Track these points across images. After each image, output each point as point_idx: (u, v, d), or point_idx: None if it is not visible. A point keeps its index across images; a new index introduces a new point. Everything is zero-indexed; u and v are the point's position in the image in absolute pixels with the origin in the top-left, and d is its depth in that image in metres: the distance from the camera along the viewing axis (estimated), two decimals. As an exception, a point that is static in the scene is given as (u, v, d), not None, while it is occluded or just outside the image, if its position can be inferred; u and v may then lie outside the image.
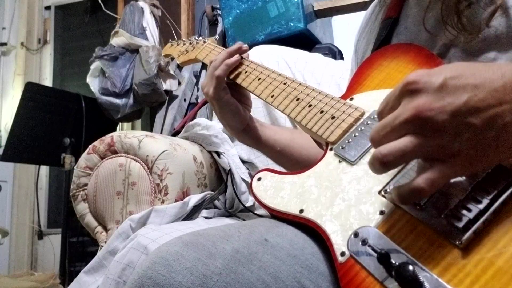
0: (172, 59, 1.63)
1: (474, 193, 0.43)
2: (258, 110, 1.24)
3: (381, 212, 0.49)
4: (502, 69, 0.40)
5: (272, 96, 0.73)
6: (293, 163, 0.86)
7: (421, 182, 0.40)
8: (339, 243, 0.49)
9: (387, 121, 0.42)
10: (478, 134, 0.39)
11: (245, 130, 0.84)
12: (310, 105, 0.67)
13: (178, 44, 1.05)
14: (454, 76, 0.40)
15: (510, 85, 0.39)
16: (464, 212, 0.43)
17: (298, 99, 0.69)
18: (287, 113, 0.70)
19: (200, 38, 1.00)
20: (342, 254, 0.48)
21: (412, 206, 0.46)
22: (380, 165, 0.41)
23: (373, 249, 0.46)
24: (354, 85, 0.68)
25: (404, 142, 0.40)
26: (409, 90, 0.41)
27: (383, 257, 0.44)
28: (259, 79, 0.78)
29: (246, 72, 0.80)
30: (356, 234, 0.48)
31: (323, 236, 0.52)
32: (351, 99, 0.65)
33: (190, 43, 1.00)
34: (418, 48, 0.63)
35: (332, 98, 0.66)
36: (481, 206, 0.42)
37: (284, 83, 0.74)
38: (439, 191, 0.45)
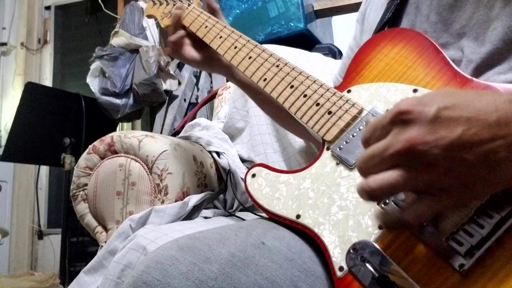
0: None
1: (477, 217, 0.42)
2: (260, 118, 1.22)
3: (381, 226, 0.48)
4: (496, 100, 0.39)
5: (264, 80, 0.70)
6: (282, 118, 0.91)
7: (408, 217, 0.40)
8: (337, 257, 0.49)
9: (376, 151, 0.40)
10: (470, 170, 0.38)
11: (229, 74, 0.87)
12: (305, 95, 0.64)
13: (161, 4, 0.97)
14: (448, 106, 0.38)
15: (504, 119, 0.38)
16: (466, 236, 0.42)
17: (292, 87, 0.66)
18: (280, 102, 0.67)
19: None
20: (341, 269, 0.48)
21: None
22: (369, 197, 0.40)
23: (373, 267, 0.45)
24: (352, 74, 0.65)
25: (394, 176, 0.39)
26: (401, 120, 0.39)
27: (382, 280, 0.44)
28: (250, 57, 0.73)
29: (235, 48, 0.76)
30: (354, 249, 0.48)
31: (321, 246, 0.51)
32: (349, 91, 0.62)
33: (174, 4, 0.93)
34: (421, 37, 0.61)
35: (328, 90, 0.63)
36: (484, 232, 0.41)
37: (277, 66, 0.70)
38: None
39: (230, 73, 0.87)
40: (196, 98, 1.97)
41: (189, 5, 0.89)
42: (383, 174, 0.39)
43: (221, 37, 0.79)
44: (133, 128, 2.68)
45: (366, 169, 0.41)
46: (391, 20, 0.70)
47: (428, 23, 0.65)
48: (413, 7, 0.68)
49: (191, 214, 0.89)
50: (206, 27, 0.83)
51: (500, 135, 0.37)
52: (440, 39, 0.63)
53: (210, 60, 0.85)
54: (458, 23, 0.62)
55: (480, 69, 0.58)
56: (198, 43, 0.84)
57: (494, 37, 0.57)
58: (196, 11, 0.87)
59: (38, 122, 2.00)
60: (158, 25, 2.07)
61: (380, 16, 0.73)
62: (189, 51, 0.84)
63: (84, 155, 0.97)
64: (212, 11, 0.84)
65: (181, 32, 0.84)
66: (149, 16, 1.01)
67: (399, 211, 0.41)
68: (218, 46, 0.78)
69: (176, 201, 0.90)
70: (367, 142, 0.42)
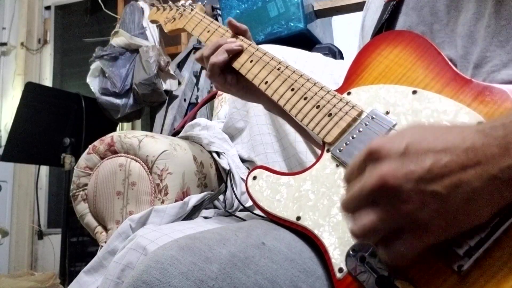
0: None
1: None
2: (260, 118, 1.22)
3: None
4: (464, 132, 0.38)
5: (266, 83, 0.71)
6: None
7: (392, 259, 0.40)
8: (337, 258, 0.49)
9: (355, 193, 0.40)
10: (444, 203, 0.37)
11: (262, 102, 0.84)
12: (305, 98, 0.65)
13: (164, 9, 1.00)
14: (417, 140, 0.39)
15: (472, 150, 0.37)
16: (465, 238, 0.41)
17: (293, 89, 0.67)
18: (281, 104, 0.68)
19: (188, 3, 0.95)
20: (340, 270, 0.48)
21: None
22: (357, 238, 0.42)
23: (372, 268, 0.45)
24: (352, 76, 0.65)
25: (371, 216, 0.39)
26: (373, 158, 0.40)
27: (382, 280, 0.44)
28: (251, 61, 0.75)
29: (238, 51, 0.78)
30: (354, 250, 0.48)
31: (321, 248, 0.52)
32: (349, 93, 0.63)
33: (177, 10, 0.95)
34: (421, 39, 0.61)
35: (328, 92, 0.64)
36: (482, 234, 0.41)
37: (278, 69, 0.71)
38: None
39: (266, 98, 0.83)
40: (196, 98, 1.97)
41: (192, 10, 0.92)
42: (362, 218, 0.39)
43: None
44: (133, 128, 2.68)
45: (350, 211, 0.41)
46: (388, 21, 0.71)
47: (424, 24, 0.65)
48: (409, 8, 0.68)
49: (191, 214, 0.90)
50: (208, 31, 0.85)
51: (469, 165, 0.37)
52: (436, 39, 0.63)
53: (246, 87, 0.81)
54: (453, 23, 0.62)
55: (476, 68, 0.58)
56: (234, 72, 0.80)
57: (490, 36, 0.57)
58: (199, 15, 0.89)
59: (38, 122, 2.00)
60: (158, 25, 2.07)
61: (377, 18, 0.74)
62: (228, 75, 0.80)
63: (84, 155, 0.97)
64: (242, 32, 0.81)
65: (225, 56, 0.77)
66: (153, 21, 1.03)
67: (385, 253, 0.40)
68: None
69: (176, 201, 0.90)
70: (348, 181, 0.43)
